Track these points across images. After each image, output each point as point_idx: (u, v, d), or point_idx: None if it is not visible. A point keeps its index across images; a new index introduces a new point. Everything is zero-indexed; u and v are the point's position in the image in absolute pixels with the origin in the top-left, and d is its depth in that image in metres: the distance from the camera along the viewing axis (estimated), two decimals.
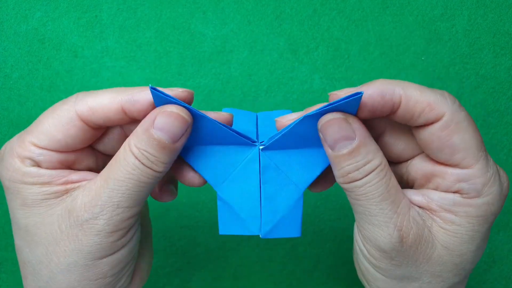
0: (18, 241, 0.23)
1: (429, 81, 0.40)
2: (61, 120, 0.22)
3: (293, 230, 0.25)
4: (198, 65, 0.40)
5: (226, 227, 0.26)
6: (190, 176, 0.25)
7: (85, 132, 0.23)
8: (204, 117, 0.22)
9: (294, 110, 0.40)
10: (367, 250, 0.23)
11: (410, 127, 0.23)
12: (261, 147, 0.24)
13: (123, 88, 0.22)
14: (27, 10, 0.39)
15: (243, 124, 0.27)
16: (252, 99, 0.40)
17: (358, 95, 0.20)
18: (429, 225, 0.22)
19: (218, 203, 0.25)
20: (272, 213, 0.25)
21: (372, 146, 0.21)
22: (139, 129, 0.21)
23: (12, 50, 0.39)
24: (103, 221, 0.21)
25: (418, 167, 0.23)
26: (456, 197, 0.21)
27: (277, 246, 0.40)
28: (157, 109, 0.21)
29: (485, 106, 0.40)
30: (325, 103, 0.22)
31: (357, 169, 0.21)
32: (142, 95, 0.21)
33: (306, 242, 0.40)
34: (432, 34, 0.40)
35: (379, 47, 0.40)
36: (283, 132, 0.23)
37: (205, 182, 0.25)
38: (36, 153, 0.22)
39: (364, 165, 0.21)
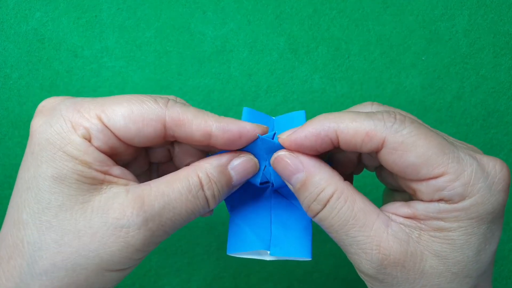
0: (26, 216, 0.19)
1: (429, 81, 0.40)
2: (145, 114, 0.20)
3: (303, 252, 0.24)
4: (198, 65, 0.40)
5: (235, 246, 0.25)
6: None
7: (157, 138, 0.21)
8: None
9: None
10: (361, 276, 0.22)
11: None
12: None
13: (210, 113, 0.22)
14: (27, 10, 0.39)
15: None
16: (252, 99, 0.40)
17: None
18: (417, 235, 0.20)
19: (230, 224, 0.26)
20: (282, 231, 0.25)
21: (324, 174, 0.21)
22: (214, 162, 0.22)
23: (12, 50, 0.39)
24: (142, 236, 0.19)
25: (400, 182, 0.23)
26: (441, 204, 0.20)
27: None
28: (237, 153, 0.23)
29: (485, 106, 0.40)
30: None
31: (314, 200, 0.21)
32: (235, 126, 0.22)
33: None
34: (433, 34, 0.40)
35: (379, 47, 0.40)
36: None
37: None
38: (97, 127, 0.20)
39: (318, 194, 0.21)
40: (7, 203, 0.39)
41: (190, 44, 0.40)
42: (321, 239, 0.40)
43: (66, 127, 0.20)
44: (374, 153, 0.21)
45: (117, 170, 0.21)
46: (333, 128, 0.20)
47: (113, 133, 0.20)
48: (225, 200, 0.26)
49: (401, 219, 0.21)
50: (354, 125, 0.20)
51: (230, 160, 0.22)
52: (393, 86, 0.40)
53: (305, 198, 0.21)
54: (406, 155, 0.19)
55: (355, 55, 0.40)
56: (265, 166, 0.25)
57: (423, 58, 0.40)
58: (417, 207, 0.20)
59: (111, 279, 0.20)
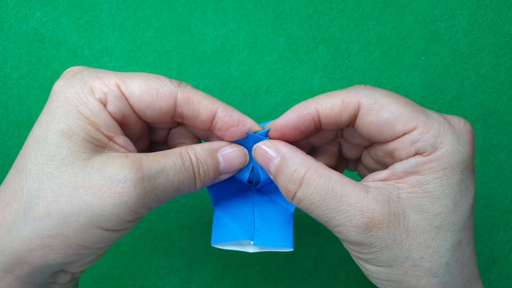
0: (31, 165, 0.20)
1: (429, 81, 0.40)
2: (159, 89, 0.22)
3: (285, 242, 0.25)
4: (198, 65, 0.40)
5: (219, 237, 0.26)
6: None
7: (167, 114, 0.23)
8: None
9: None
10: (349, 249, 0.23)
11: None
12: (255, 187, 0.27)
13: (217, 99, 0.24)
14: (27, 10, 0.39)
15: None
16: (252, 99, 0.40)
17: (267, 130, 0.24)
18: (396, 195, 0.21)
19: (214, 216, 0.26)
20: (265, 224, 0.26)
21: (297, 157, 0.22)
22: (205, 145, 0.24)
23: (12, 50, 0.39)
24: (136, 194, 0.20)
25: (379, 153, 0.24)
26: (417, 158, 0.21)
27: None
28: (231, 143, 0.25)
29: (485, 106, 0.40)
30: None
31: (290, 181, 0.22)
32: (237, 114, 0.24)
33: (306, 242, 0.40)
34: (433, 34, 0.40)
35: (379, 47, 0.40)
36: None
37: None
38: (115, 93, 0.22)
39: (292, 174, 0.22)
40: None
41: (190, 44, 0.40)
42: (321, 239, 0.40)
43: (86, 89, 0.21)
44: (352, 127, 0.23)
45: (121, 139, 0.22)
46: (313, 106, 0.23)
47: (129, 102, 0.22)
48: (210, 194, 0.26)
49: (379, 184, 0.22)
50: (331, 99, 0.22)
51: (221, 147, 0.24)
52: (393, 86, 0.40)
53: (282, 181, 0.23)
54: (380, 113, 0.22)
55: (355, 55, 0.40)
56: (253, 167, 0.25)
57: (423, 58, 0.40)
58: (395, 167, 0.22)
59: (98, 239, 0.21)
